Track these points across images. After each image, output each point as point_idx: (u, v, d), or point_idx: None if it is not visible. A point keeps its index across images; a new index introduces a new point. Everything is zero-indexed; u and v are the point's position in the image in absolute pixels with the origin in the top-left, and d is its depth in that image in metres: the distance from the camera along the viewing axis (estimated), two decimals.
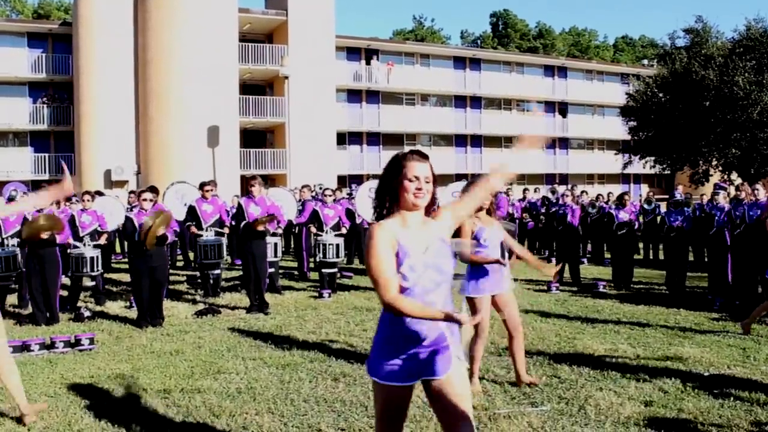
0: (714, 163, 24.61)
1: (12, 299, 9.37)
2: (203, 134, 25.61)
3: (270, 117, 29.15)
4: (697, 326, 7.52)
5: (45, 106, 28.17)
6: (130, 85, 26.45)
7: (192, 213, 9.79)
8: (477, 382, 5.14)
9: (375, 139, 34.14)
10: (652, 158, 26.47)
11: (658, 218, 13.16)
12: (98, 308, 8.99)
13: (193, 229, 9.75)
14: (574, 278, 11.36)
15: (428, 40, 59.07)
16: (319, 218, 10.47)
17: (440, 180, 2.80)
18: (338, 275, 10.92)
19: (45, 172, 27.02)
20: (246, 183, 9.37)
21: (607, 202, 15.32)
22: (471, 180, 4.73)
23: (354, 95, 33.61)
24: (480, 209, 5.12)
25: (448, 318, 2.51)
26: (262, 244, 8.83)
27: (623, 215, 11.25)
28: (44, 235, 7.75)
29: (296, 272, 12.53)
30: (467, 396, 2.72)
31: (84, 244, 9.12)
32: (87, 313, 8.27)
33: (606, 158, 37.54)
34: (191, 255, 13.41)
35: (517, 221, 16.32)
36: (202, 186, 10.08)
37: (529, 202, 16.85)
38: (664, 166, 26.57)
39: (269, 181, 27.24)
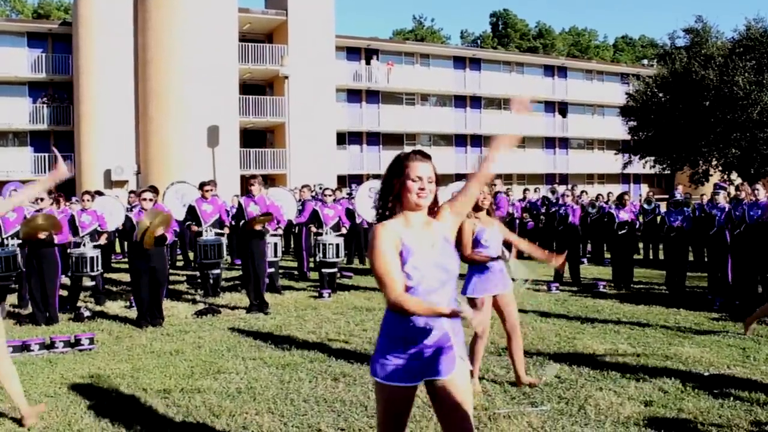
0: (714, 163, 24.61)
1: (12, 299, 9.37)
2: (203, 134, 25.60)
3: (270, 117, 29.15)
4: (697, 326, 7.52)
5: (45, 105, 28.17)
6: (129, 85, 26.45)
7: (192, 213, 9.79)
8: (477, 382, 5.14)
9: (375, 139, 34.14)
10: (652, 158, 26.48)
11: (658, 218, 13.18)
12: (98, 308, 8.99)
13: (194, 227, 9.75)
14: (574, 278, 11.36)
15: (428, 40, 59.07)
16: (319, 218, 10.47)
17: (440, 180, 2.81)
18: (338, 275, 10.92)
19: (45, 172, 26.95)
20: (246, 183, 9.38)
21: (606, 202, 15.32)
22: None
23: (354, 95, 33.60)
24: (480, 210, 5.13)
25: (454, 314, 2.50)
26: (261, 244, 8.83)
27: (624, 215, 11.26)
28: (41, 235, 7.74)
29: (296, 272, 12.53)
30: (469, 397, 2.72)
31: (84, 244, 9.12)
32: (87, 313, 8.27)
33: (606, 158, 37.55)
34: (191, 255, 13.41)
35: (517, 221, 16.34)
36: (201, 186, 10.08)
37: (529, 202, 16.85)
38: (664, 166, 26.58)
39: (269, 181, 27.23)
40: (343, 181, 29.55)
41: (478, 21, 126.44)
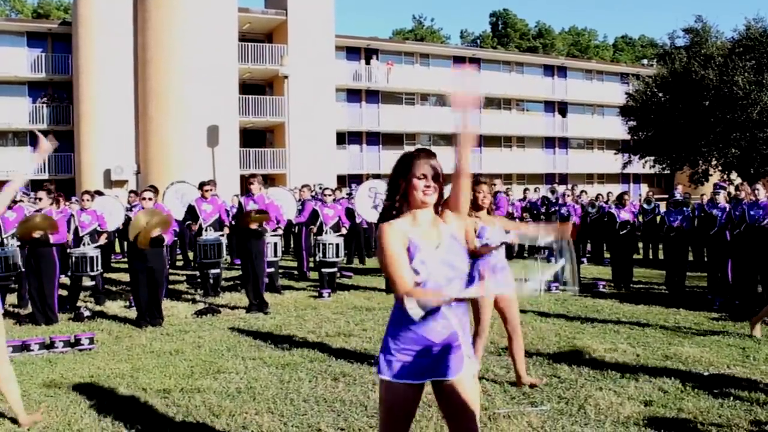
0: (714, 162, 24.63)
1: (12, 299, 9.37)
2: (203, 134, 25.60)
3: (270, 117, 29.14)
4: (697, 326, 7.52)
5: (45, 105, 28.17)
6: (129, 85, 26.44)
7: (191, 213, 9.79)
8: (477, 382, 5.13)
9: (375, 138, 34.13)
10: (652, 158, 26.50)
11: (658, 218, 13.17)
12: (98, 308, 8.99)
13: (194, 226, 9.74)
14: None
15: (428, 39, 59.07)
16: (319, 218, 10.47)
17: (444, 179, 2.82)
18: (338, 275, 10.92)
19: (45, 172, 26.96)
20: (245, 182, 9.38)
21: (606, 202, 15.32)
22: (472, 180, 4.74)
23: (354, 95, 33.60)
24: (480, 209, 5.13)
25: (463, 297, 2.52)
26: (260, 244, 8.83)
27: (624, 215, 11.26)
28: (36, 234, 7.73)
29: (296, 272, 12.53)
30: (476, 398, 2.72)
31: (83, 244, 9.12)
32: (87, 313, 8.27)
33: (606, 158, 37.55)
34: (191, 255, 13.41)
35: (516, 221, 16.33)
36: (201, 186, 10.08)
37: (529, 202, 16.86)
38: (664, 165, 26.60)
39: (269, 180, 27.22)
40: (343, 180, 29.54)
41: (478, 21, 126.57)
